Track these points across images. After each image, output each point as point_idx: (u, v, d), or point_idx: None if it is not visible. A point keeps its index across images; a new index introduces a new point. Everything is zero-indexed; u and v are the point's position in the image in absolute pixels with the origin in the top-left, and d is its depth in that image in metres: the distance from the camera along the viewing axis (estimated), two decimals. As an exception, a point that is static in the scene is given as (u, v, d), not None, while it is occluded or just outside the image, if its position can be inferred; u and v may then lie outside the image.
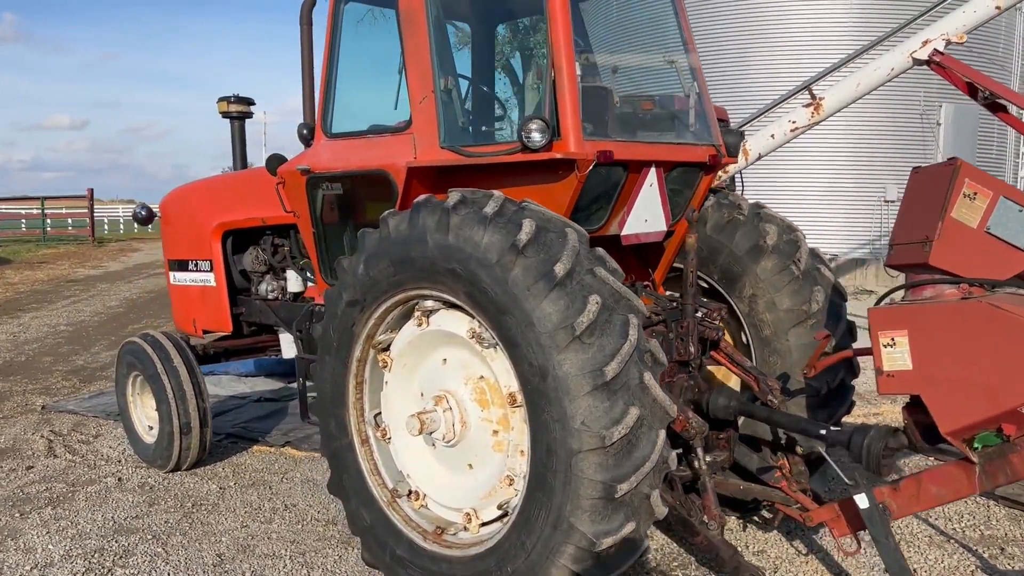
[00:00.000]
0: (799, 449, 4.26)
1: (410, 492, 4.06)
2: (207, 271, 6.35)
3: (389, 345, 4.08)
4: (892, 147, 16.13)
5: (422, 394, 4.03)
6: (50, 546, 4.70)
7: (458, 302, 3.59)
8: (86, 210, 32.20)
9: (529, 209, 3.52)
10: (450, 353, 3.88)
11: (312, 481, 5.70)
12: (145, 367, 5.75)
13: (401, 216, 3.78)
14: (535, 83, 4.26)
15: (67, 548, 4.67)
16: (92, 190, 31.45)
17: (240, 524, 4.99)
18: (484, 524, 3.76)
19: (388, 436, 4.13)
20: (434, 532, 3.90)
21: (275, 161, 5.11)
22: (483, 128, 4.68)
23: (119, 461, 6.20)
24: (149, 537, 4.80)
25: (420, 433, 3.74)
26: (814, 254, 4.70)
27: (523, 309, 3.28)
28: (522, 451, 3.56)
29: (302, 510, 5.21)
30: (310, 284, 5.78)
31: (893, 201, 16.20)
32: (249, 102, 7.03)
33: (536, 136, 3.71)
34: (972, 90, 7.69)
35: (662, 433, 3.30)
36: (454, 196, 3.61)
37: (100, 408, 7.65)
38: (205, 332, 6.55)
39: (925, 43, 7.47)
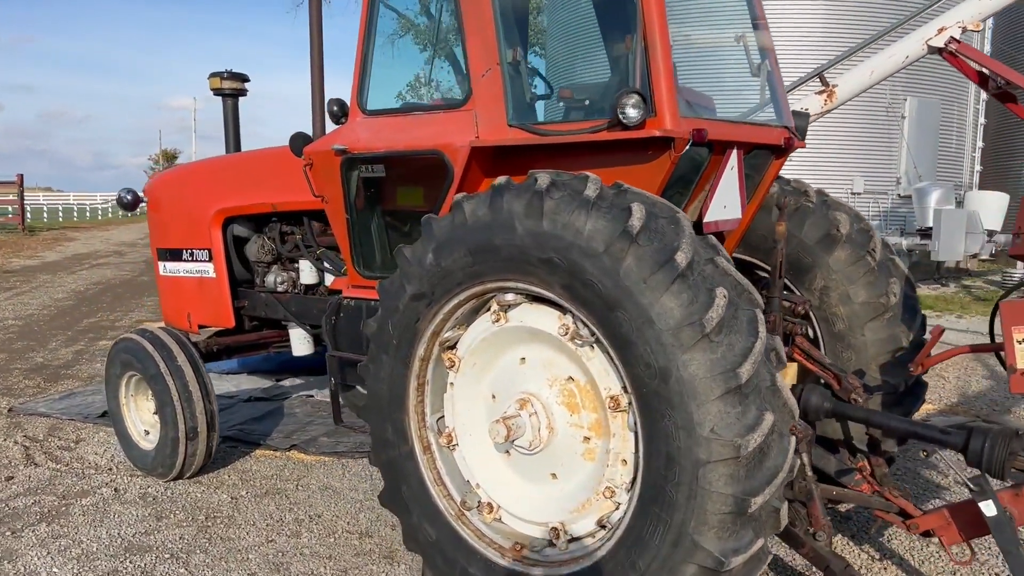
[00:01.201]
0: (883, 450, 4.03)
1: (481, 504, 3.69)
2: (205, 261, 5.84)
3: (456, 343, 3.70)
4: (858, 140, 16.25)
5: (494, 396, 3.66)
6: (55, 569, 4.19)
7: (551, 296, 3.23)
8: (13, 197, 30.62)
9: (632, 192, 3.18)
10: (530, 352, 3.52)
11: (331, 488, 5.27)
12: (145, 366, 5.23)
13: (479, 200, 3.39)
14: (621, 53, 3.91)
15: (75, 571, 4.17)
16: (22, 176, 29.96)
17: (265, 539, 4.55)
18: (573, 540, 3.42)
19: (454, 442, 3.75)
20: (513, 548, 3.54)
21: (300, 140, 4.65)
22: (559, 104, 4.31)
23: (110, 469, 5.66)
24: (167, 556, 4.32)
25: (506, 440, 3.37)
26: (884, 244, 4.47)
27: (639, 304, 2.94)
28: (624, 460, 3.23)
29: (329, 521, 4.78)
30: (328, 275, 5.33)
31: (860, 193, 16.33)
32: (243, 78, 6.51)
33: (632, 112, 3.37)
34: (983, 80, 7.61)
35: (792, 440, 3.00)
36: (544, 178, 3.24)
37: (75, 410, 7.04)
38: (201, 327, 6.03)
39: (941, 30, 7.31)
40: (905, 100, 16.35)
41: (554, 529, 3.42)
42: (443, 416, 3.82)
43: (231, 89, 6.43)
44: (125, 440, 5.59)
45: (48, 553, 4.36)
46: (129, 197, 6.23)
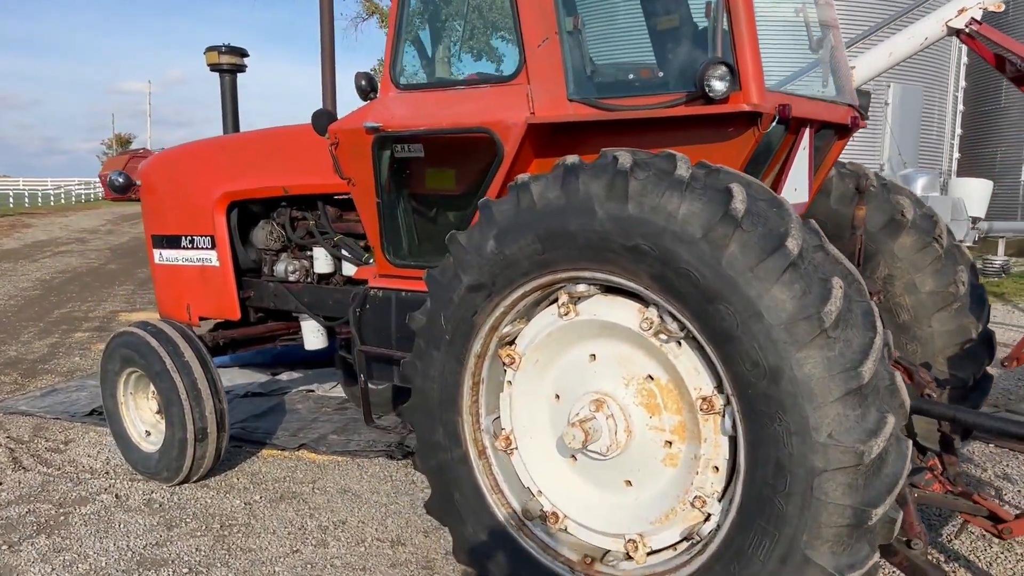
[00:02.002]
0: (956, 448, 3.80)
1: (544, 513, 3.39)
2: (207, 248, 5.44)
3: (515, 338, 3.39)
4: (842, 126, 16.14)
5: (557, 396, 3.36)
6: (62, 588, 3.81)
7: (633, 287, 2.93)
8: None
9: (725, 172, 2.89)
10: (602, 347, 3.22)
11: (351, 491, 4.93)
12: (148, 363, 4.83)
13: (549, 182, 3.08)
14: (698, 21, 3.61)
15: (85, 590, 3.79)
16: (-24, 160, 28.77)
17: (289, 548, 4.20)
18: (652, 552, 3.14)
19: (512, 446, 3.44)
20: (583, 561, 3.25)
21: (324, 118, 4.28)
22: (628, 76, 3.99)
23: (107, 473, 5.26)
24: (185, 570, 3.96)
25: (584, 445, 3.07)
26: (948, 230, 4.25)
27: (744, 296, 2.65)
28: (716, 467, 2.95)
29: (356, 528, 4.44)
30: (346, 263, 4.97)
31: (844, 180, 16.23)
32: (242, 53, 6.11)
33: (718, 84, 3.08)
34: (1000, 63, 7.47)
35: (910, 444, 2.74)
36: (625, 156, 2.93)
37: (59, 408, 6.60)
38: (202, 319, 5.63)
39: (961, 11, 7.12)
40: (888, 87, 16.29)
41: (631, 541, 3.13)
42: (498, 417, 3.51)
43: (229, 64, 6.03)
44: (123, 442, 5.19)
45: (53, 570, 3.97)
46: (121, 180, 5.80)
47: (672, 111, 3.25)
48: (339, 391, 7.00)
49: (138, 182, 5.87)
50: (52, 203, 46.35)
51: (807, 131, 3.67)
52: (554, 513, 3.34)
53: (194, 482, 5.02)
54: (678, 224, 2.77)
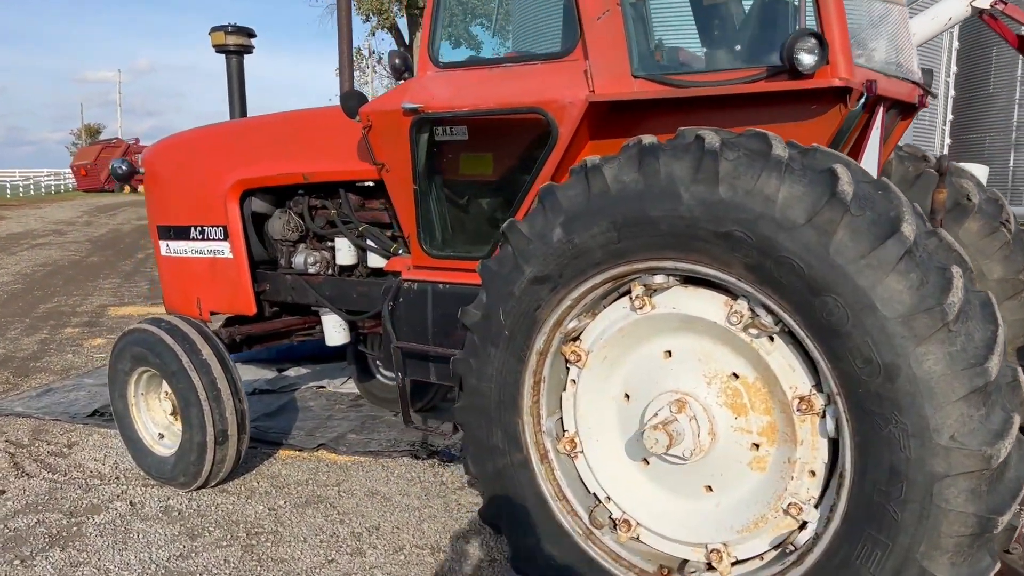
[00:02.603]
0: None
1: (614, 521, 3.16)
2: (219, 239, 5.13)
3: (580, 334, 3.15)
4: (837, 111, 16.01)
5: (627, 396, 3.13)
6: (84, 607, 3.54)
7: (721, 277, 2.70)
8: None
9: (822, 151, 2.67)
10: (679, 343, 2.99)
11: (379, 494, 4.68)
12: (164, 362, 4.54)
13: (623, 163, 2.84)
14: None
15: (110, 608, 3.52)
16: (-53, 151, 28.01)
17: (324, 558, 3.95)
18: (738, 563, 2.92)
19: (577, 449, 3.21)
20: (659, 572, 3.04)
21: (355, 100, 4.01)
22: (698, 50, 3.74)
23: (116, 478, 4.96)
24: (215, 585, 3.70)
25: (668, 449, 2.84)
26: (1014, 216, 4.06)
27: (856, 286, 2.44)
28: (812, 471, 2.74)
29: (391, 534, 4.20)
30: (372, 254, 4.69)
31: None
32: (250, 33, 5.77)
33: (807, 58, 2.85)
34: (1022, 44, 7.34)
35: (1031, 445, 2.54)
36: (711, 136, 2.70)
37: (57, 409, 6.28)
38: (213, 314, 5.34)
39: (986, -9, 6.96)
40: (883, 72, 16.15)
41: (715, 551, 2.91)
42: (560, 418, 3.27)
43: (236, 45, 5.70)
44: (135, 445, 4.90)
45: (72, 586, 3.69)
46: (124, 168, 5.50)
47: (752, 87, 3.01)
48: (351, 387, 6.73)
49: (141, 170, 5.55)
50: (22, 194, 45.34)
51: (880, 109, 3.46)
52: (625, 521, 3.11)
53: (212, 487, 4.74)
54: (778, 209, 2.54)
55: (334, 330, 5.06)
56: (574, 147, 3.45)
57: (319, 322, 5.49)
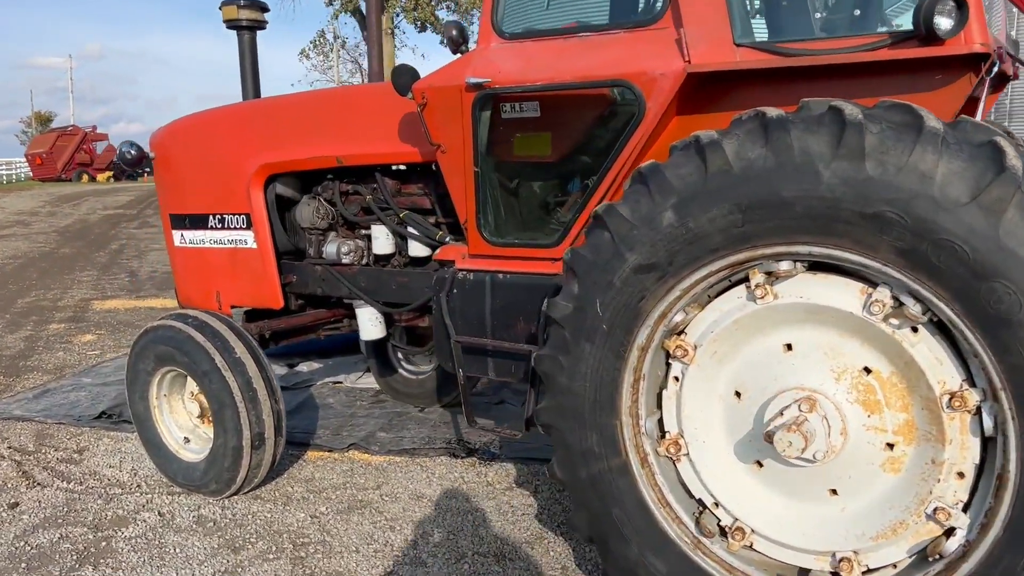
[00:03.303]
0: None
1: (723, 528, 2.92)
2: (241, 228, 4.79)
3: (685, 327, 2.90)
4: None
5: (738, 393, 2.88)
6: (131, 633, 3.22)
7: (869, 263, 2.46)
8: None
9: (973, 123, 2.44)
10: (801, 336, 2.75)
11: (425, 497, 4.39)
12: (194, 361, 4.20)
13: (745, 138, 2.58)
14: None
15: (160, 634, 3.21)
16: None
17: (383, 570, 3.66)
18: (869, 572, 2.70)
19: (683, 451, 2.95)
20: (779, 585, 2.80)
21: (407, 75, 3.69)
22: (809, 15, 3.45)
23: (138, 486, 4.62)
24: (271, 604, 3.40)
25: (803, 452, 2.60)
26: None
27: (1030, 271, 2.21)
28: (960, 473, 2.52)
29: (448, 542, 3.92)
30: (413, 242, 4.38)
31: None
32: (263, 7, 5.40)
33: (945, 22, 2.61)
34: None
35: None
36: (851, 107, 2.45)
37: (59, 411, 5.89)
38: (234, 308, 4.99)
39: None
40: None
41: (844, 560, 2.68)
42: (660, 419, 3.02)
43: (249, 21, 5.31)
44: (158, 451, 4.56)
45: (113, 610, 3.37)
46: (133, 152, 5.10)
47: (874, 55, 2.76)
48: (368, 382, 6.43)
49: (152, 154, 5.17)
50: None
51: (987, 81, 3.23)
52: (738, 528, 2.87)
53: (244, 494, 4.42)
54: (936, 187, 2.30)
55: (370, 323, 4.75)
56: (662, 124, 3.18)
57: (347, 315, 5.20)
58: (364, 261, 4.67)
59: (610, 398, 2.93)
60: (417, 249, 4.39)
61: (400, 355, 6.02)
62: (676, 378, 2.94)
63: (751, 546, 2.88)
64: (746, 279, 2.75)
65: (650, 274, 2.77)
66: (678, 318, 2.85)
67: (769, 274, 2.69)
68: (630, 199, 2.81)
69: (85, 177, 51.05)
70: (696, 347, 2.86)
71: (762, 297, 2.70)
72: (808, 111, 2.54)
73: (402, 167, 4.54)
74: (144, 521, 4.15)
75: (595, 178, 3.37)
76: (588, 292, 2.89)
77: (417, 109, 3.66)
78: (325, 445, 5.14)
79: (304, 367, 6.87)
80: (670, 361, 2.94)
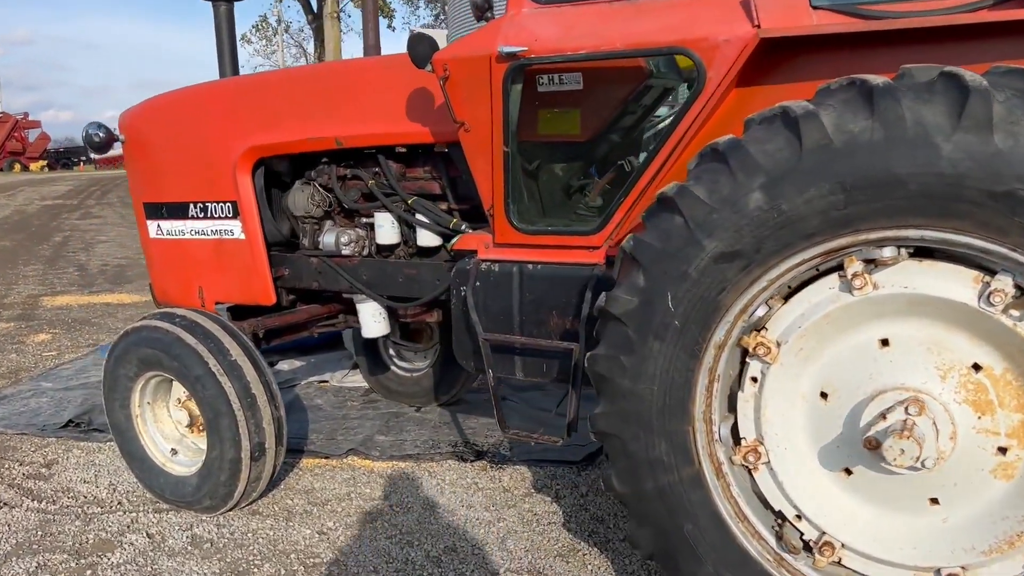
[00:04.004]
0: None
1: (808, 543, 2.64)
2: (226, 217, 4.37)
3: (766, 322, 2.60)
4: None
5: (824, 395, 2.60)
6: None
7: (995, 247, 2.19)
8: None
9: None
10: (900, 330, 2.47)
11: (441, 507, 4.06)
12: (184, 365, 3.78)
13: (843, 109, 2.29)
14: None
15: None
16: None
17: (409, 594, 3.33)
18: (978, 589, 2.45)
19: (763, 459, 2.66)
20: (872, 603, 2.54)
21: (426, 45, 3.32)
22: None
23: (119, 504, 4.19)
24: (291, 639, 3.03)
25: (916, 461, 2.33)
26: None
27: None
28: (1090, 479, 2.27)
29: (475, 557, 3.59)
30: (423, 231, 4.02)
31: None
32: (240, -23, 4.97)
33: None
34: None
35: None
36: (971, 74, 2.18)
37: (20, 420, 5.40)
38: (218, 305, 4.57)
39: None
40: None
41: (952, 576, 2.43)
42: (733, 424, 2.73)
43: (225, -9, 4.90)
44: (141, 464, 4.13)
45: (109, 652, 2.97)
46: (101, 135, 4.61)
47: (974, 17, 2.49)
48: (356, 380, 6.05)
49: (121, 137, 4.70)
50: None
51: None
52: (826, 543, 2.59)
53: (239, 509, 4.03)
54: (1081, 161, 2.04)
55: (372, 320, 4.38)
56: (718, 96, 2.87)
57: (343, 311, 4.81)
58: (365, 252, 4.30)
59: (681, 402, 2.63)
60: (427, 238, 4.03)
61: (392, 351, 5.65)
62: (754, 379, 2.65)
63: (839, 562, 2.61)
64: (837, 268, 2.47)
65: (733, 263, 2.47)
66: (760, 312, 2.56)
67: (867, 262, 2.41)
68: (705, 179, 2.50)
69: (17, 166, 49.11)
70: (780, 344, 2.57)
71: (860, 288, 2.41)
72: (912, 78, 2.26)
73: (403, 149, 4.18)
74: (132, 544, 3.73)
75: (644, 157, 3.06)
76: (657, 284, 2.58)
77: (439, 83, 3.30)
78: (321, 452, 4.76)
79: (285, 365, 6.45)
80: (748, 360, 2.64)
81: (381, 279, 4.19)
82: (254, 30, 57.52)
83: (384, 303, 4.27)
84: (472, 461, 4.61)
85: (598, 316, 2.78)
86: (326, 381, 6.07)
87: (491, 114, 3.24)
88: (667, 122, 2.96)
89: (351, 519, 3.95)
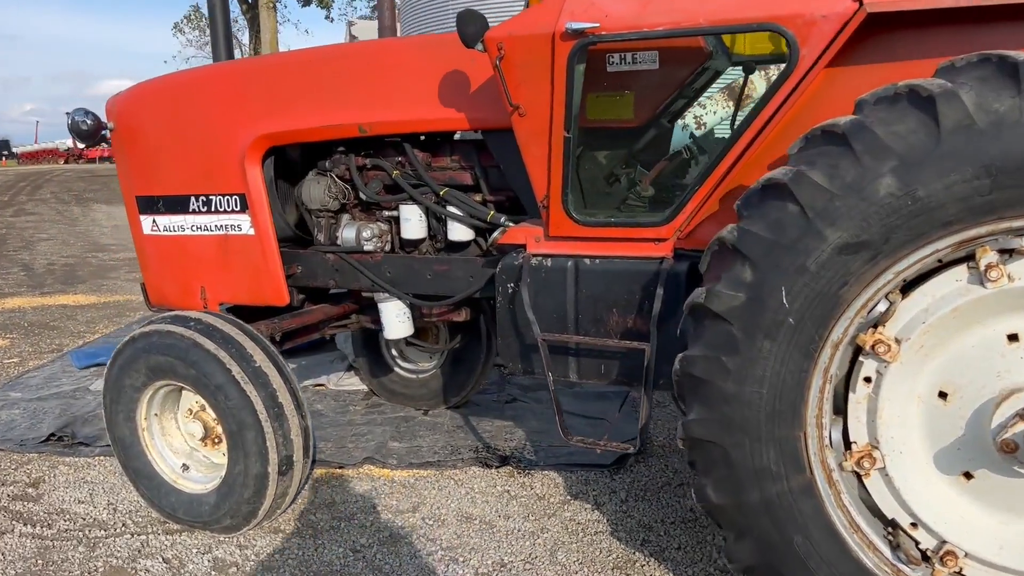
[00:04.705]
0: None
1: (928, 553, 2.48)
2: (234, 212, 4.04)
3: (885, 319, 2.42)
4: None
5: (943, 395, 2.43)
6: None
7: None
8: None
9: None
10: (1029, 324, 2.32)
11: (477, 519, 3.80)
12: (203, 374, 3.45)
13: (983, 88, 2.12)
14: None
15: None
16: None
17: (467, 617, 3.07)
18: (1116, 597, 2.31)
19: (879, 464, 2.49)
20: (1001, 616, 2.38)
21: (477, 23, 3.06)
22: None
23: (123, 525, 3.83)
24: (350, 673, 2.76)
25: (1068, 468, 2.17)
26: None
27: None
28: None
29: (527, 573, 3.36)
30: (455, 224, 3.76)
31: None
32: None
33: None
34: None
35: None
36: None
37: (-6, 433, 4.95)
38: (221, 307, 4.23)
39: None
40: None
41: (1090, 585, 2.29)
42: (844, 427, 2.54)
43: (220, -27, 4.55)
44: (149, 481, 3.78)
45: None
46: (89, 122, 4.23)
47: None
48: (353, 383, 5.74)
49: (110, 125, 4.32)
50: None
51: None
52: (949, 552, 2.43)
53: (259, 527, 3.72)
54: None
55: (397, 319, 4.09)
56: (809, 77, 2.68)
57: (357, 310, 4.52)
58: (387, 248, 4.02)
59: (793, 406, 2.43)
60: (459, 232, 3.78)
61: (395, 351, 5.36)
62: (868, 379, 2.47)
63: (960, 571, 2.45)
64: (963, 259, 2.30)
65: (858, 255, 2.28)
66: (881, 307, 2.38)
67: (1005, 251, 2.25)
68: (822, 164, 2.30)
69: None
70: (899, 341, 2.39)
71: (995, 280, 2.25)
72: None
73: (422, 137, 3.92)
74: (148, 571, 3.40)
75: (724, 142, 2.85)
76: (769, 278, 2.38)
77: (494, 63, 3.04)
78: (334, 461, 4.45)
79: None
80: (861, 358, 2.46)
81: (407, 276, 3.92)
82: (186, 20, 55.93)
83: (413, 301, 4.00)
84: (497, 467, 4.37)
85: (690, 314, 2.57)
86: (322, 384, 5.74)
87: (551, 97, 3.00)
88: (753, 104, 2.76)
89: (384, 535, 3.68)
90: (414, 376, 5.32)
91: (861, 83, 2.58)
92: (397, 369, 5.37)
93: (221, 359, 3.41)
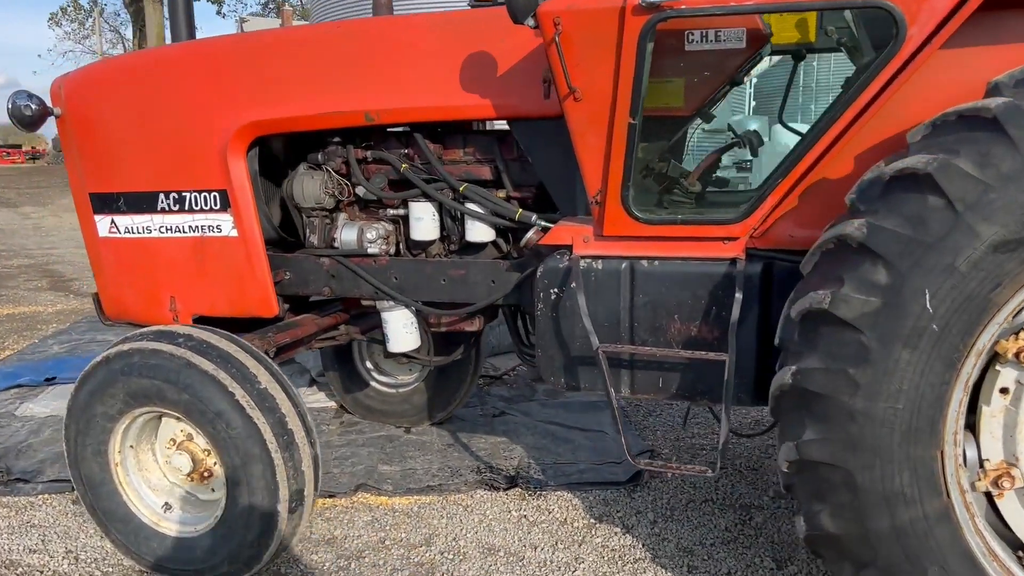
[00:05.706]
0: None
1: (1066, 579, 2.27)
2: (213, 210, 3.54)
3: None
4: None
5: (1085, 404, 2.23)
6: None
7: None
8: None
9: None
10: None
11: (503, 551, 3.43)
12: (198, 399, 2.94)
13: None
14: None
15: None
16: None
17: (527, 669, 2.70)
18: None
19: (1017, 485, 2.26)
20: None
21: (528, -6, 2.70)
22: None
23: (96, 569, 3.27)
24: None
25: None
26: None
27: None
28: None
29: (578, 612, 3.02)
30: (475, 223, 3.38)
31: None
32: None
33: None
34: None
35: None
36: None
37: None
38: (196, 319, 3.71)
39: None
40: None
41: None
42: (977, 444, 2.31)
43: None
44: (124, 525, 3.23)
45: None
46: (33, 107, 3.63)
47: None
48: (318, 399, 5.26)
49: (56, 110, 3.73)
50: None
51: None
52: (1093, 578, 2.23)
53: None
54: None
55: (404, 330, 3.67)
56: (916, 59, 2.45)
57: (347, 320, 4.06)
58: (393, 250, 3.60)
59: (932, 422, 2.18)
60: (479, 232, 3.40)
61: (370, 364, 4.92)
62: (1003, 390, 2.24)
63: (1101, 598, 2.26)
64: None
65: (1015, 253, 2.05)
66: (1026, 311, 2.16)
67: None
68: (970, 151, 2.06)
69: None
70: (1044, 348, 2.17)
71: None
72: None
73: (437, 128, 3.54)
74: (136, 634, 2.88)
75: (814, 129, 2.59)
76: (910, 281, 2.12)
77: (551, 40, 2.68)
78: (324, 490, 3.98)
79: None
80: (998, 367, 2.23)
81: (417, 282, 3.51)
82: (63, 12, 52.65)
83: (421, 310, 3.59)
84: (505, 489, 4.00)
85: (802, 321, 2.28)
86: (287, 401, 5.22)
87: (616, 79, 2.67)
88: (851, 87, 2.50)
89: (403, 573, 3.26)
90: (393, 391, 4.89)
91: (966, 68, 2.37)
92: (373, 383, 4.92)
93: (221, 381, 2.93)
